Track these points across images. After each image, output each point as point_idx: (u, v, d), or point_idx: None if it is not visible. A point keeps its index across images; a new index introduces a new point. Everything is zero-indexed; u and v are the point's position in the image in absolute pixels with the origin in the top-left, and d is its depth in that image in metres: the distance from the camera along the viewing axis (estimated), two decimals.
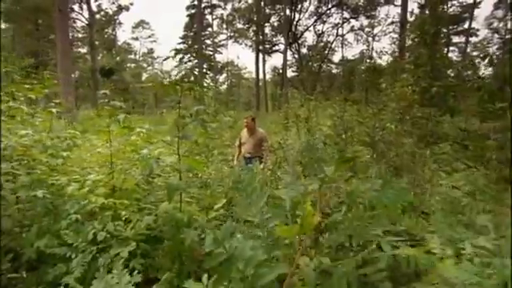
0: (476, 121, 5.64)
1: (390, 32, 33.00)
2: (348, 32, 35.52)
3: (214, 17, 38.80)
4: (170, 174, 2.89)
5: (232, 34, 37.56)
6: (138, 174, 2.57)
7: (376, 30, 35.56)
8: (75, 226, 1.91)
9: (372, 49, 36.27)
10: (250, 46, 35.11)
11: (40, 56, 24.21)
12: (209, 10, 38.12)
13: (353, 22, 34.51)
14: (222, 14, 38.39)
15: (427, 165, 2.00)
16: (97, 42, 36.00)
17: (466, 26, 28.41)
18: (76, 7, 31.34)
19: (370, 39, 35.64)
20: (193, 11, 35.62)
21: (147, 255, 2.16)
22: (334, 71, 38.82)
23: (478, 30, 30.56)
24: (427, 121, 4.49)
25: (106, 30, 38.67)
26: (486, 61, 6.36)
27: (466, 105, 5.99)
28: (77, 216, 1.90)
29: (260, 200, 1.36)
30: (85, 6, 30.25)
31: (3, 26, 27.23)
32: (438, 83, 5.88)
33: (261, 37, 32.18)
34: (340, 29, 34.52)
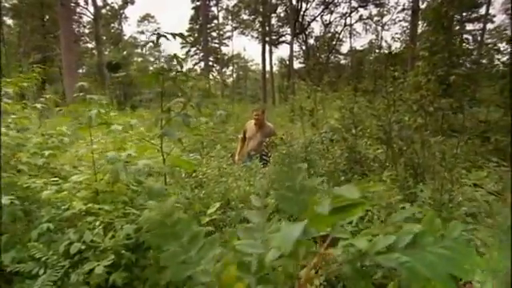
0: (498, 111, 5.22)
1: (400, 20, 31.97)
2: (356, 21, 34.57)
3: (220, 8, 38.28)
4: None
5: (237, 25, 36.98)
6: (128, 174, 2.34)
7: (385, 19, 34.52)
8: (47, 236, 1.69)
9: (381, 38, 35.28)
10: (257, 38, 34.54)
11: (46, 51, 24.26)
12: (214, 1, 37.59)
13: (361, 10, 33.52)
14: (227, 6, 37.85)
15: (456, 167, 1.67)
16: (104, 37, 35.99)
17: (482, 11, 27.20)
18: (82, 2, 31.31)
19: (379, 28, 34.62)
20: (198, 3, 35.15)
21: (134, 265, 1.94)
22: (342, 62, 38.00)
23: (493, 16, 29.28)
24: (444, 112, 4.11)
25: (112, 25, 38.55)
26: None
27: (487, 94, 5.55)
28: (48, 225, 1.67)
29: (207, 251, 0.79)
30: (90, 1, 30.17)
31: (10, 23, 27.38)
32: (456, 71, 5.43)
33: (267, 28, 31.57)
34: (348, 18, 33.60)
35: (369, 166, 2.06)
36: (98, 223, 1.87)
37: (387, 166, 1.97)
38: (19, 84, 2.47)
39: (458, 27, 7.81)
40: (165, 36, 1.84)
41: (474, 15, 27.81)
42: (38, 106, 2.84)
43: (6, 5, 25.71)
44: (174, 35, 1.71)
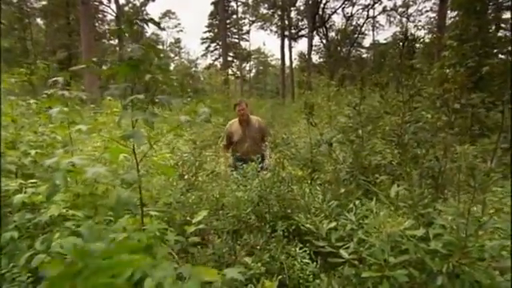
0: None
1: (427, 11, 30.20)
2: (380, 13, 33.12)
3: (239, 3, 37.97)
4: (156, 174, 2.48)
5: (255, 19, 36.50)
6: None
7: (411, 10, 32.80)
8: (12, 245, 1.54)
9: (406, 30, 33.57)
10: (276, 32, 33.97)
11: (71, 49, 25.10)
12: None
13: (385, 1, 32.08)
14: (246, 2, 37.43)
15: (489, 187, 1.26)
16: (126, 34, 36.70)
17: None
18: (104, 0, 32.12)
19: (404, 20, 32.92)
20: None
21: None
22: (365, 56, 36.64)
23: None
24: (474, 108, 3.63)
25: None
26: None
27: None
28: (12, 234, 1.52)
29: None
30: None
31: (39, 22, 28.56)
32: (490, 61, 4.80)
33: (286, 22, 30.94)
34: (371, 10, 32.22)
35: (374, 176, 1.72)
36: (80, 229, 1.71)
37: (399, 176, 1.62)
38: (6, 80, 2.37)
39: (492, 14, 7.06)
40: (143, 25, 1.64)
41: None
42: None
43: (36, 6, 26.85)
44: (145, 21, 1.50)
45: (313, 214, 1.27)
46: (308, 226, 1.98)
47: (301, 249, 1.99)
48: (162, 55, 1.62)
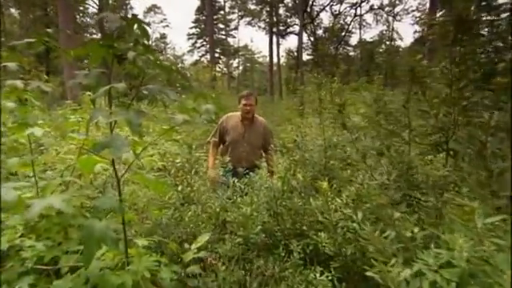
0: None
1: (413, 10, 30.51)
2: (367, 12, 33.23)
3: None
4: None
5: (243, 14, 35.94)
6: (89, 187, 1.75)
7: (398, 9, 33.10)
8: None
9: (392, 29, 33.92)
10: (264, 29, 33.53)
11: (49, 42, 23.81)
12: None
13: (372, 0, 32.21)
14: None
15: None
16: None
17: None
18: None
19: (391, 19, 33.20)
20: None
21: None
22: (351, 54, 36.76)
23: None
24: (487, 108, 3.35)
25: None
26: None
27: None
28: None
29: None
30: None
31: (13, 12, 26.90)
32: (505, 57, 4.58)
33: (274, 18, 30.57)
34: (358, 8, 32.29)
35: (425, 195, 1.32)
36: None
37: (472, 199, 1.21)
38: None
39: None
40: None
41: None
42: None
43: None
44: (128, 20, 1.09)
45: (367, 251, 0.91)
46: (333, 249, 1.63)
47: (321, 273, 1.65)
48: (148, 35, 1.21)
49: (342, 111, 1.41)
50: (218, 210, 1.90)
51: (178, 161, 1.98)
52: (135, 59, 0.99)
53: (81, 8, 30.07)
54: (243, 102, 3.02)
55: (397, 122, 1.71)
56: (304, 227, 1.89)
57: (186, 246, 1.48)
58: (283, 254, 1.74)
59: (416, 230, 1.03)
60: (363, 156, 1.37)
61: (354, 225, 1.48)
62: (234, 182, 2.08)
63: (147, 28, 1.18)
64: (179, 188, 1.86)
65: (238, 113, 3.07)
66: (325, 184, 1.50)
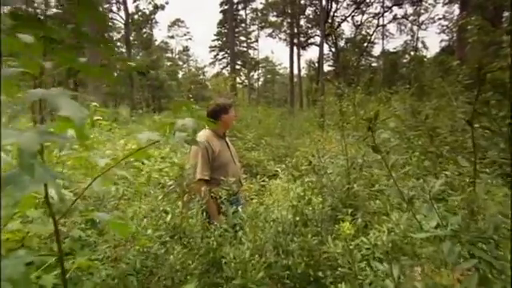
0: None
1: (439, 19, 29.26)
2: (390, 22, 32.32)
3: (248, 11, 37.87)
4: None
5: (263, 25, 36.22)
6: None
7: (423, 18, 31.99)
8: None
9: (417, 39, 32.62)
10: (285, 40, 33.54)
11: (78, 55, 25.00)
12: (242, 4, 37.21)
13: (396, 9, 31.31)
14: (256, 8, 37.31)
15: None
16: (135, 42, 37.03)
17: None
18: (114, 8, 32.37)
19: (415, 28, 32.03)
20: (226, 7, 34.91)
21: None
22: (374, 65, 35.79)
23: None
24: None
25: (144, 30, 39.26)
26: None
27: None
28: None
29: None
30: (122, 7, 30.93)
31: None
32: None
33: (295, 29, 30.50)
34: (381, 19, 31.55)
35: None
36: None
37: None
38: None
39: None
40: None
41: None
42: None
43: (48, 13, 26.87)
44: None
45: None
46: None
47: None
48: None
49: (373, 128, 1.04)
50: (213, 245, 1.56)
51: (169, 183, 1.67)
52: None
53: (108, 23, 31.57)
54: (233, 112, 2.47)
55: (445, 144, 1.31)
56: (319, 273, 1.50)
57: None
58: None
59: None
60: (409, 200, 0.97)
61: (387, 283, 1.08)
62: (236, 210, 1.73)
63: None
64: (168, 218, 1.54)
65: (209, 130, 2.38)
66: (346, 225, 1.12)
